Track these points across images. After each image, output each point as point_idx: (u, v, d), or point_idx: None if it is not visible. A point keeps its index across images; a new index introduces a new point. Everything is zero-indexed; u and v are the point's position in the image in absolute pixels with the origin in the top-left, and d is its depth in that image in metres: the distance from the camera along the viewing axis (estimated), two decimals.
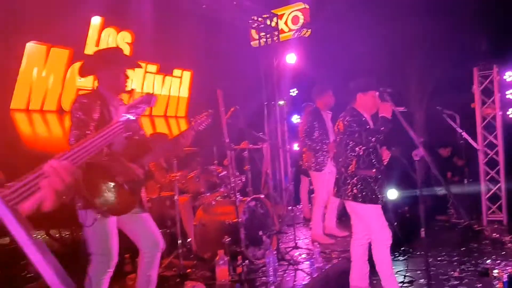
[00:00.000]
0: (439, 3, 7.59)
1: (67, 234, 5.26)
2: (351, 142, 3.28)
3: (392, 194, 5.10)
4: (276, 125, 7.10)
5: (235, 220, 3.86)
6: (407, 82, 8.79)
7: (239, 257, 3.72)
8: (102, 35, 4.50)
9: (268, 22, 7.02)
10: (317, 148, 4.78)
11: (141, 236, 2.75)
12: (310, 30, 7.85)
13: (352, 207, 3.34)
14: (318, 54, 7.78)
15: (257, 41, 7.30)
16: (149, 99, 1.52)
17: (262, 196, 4.33)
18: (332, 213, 5.11)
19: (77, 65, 4.28)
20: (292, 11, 7.89)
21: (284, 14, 7.87)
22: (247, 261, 3.75)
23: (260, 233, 4.10)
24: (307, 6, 7.84)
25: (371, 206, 3.23)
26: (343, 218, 5.87)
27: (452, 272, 3.99)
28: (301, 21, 7.93)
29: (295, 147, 6.92)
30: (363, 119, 3.31)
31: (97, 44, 4.38)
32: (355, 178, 3.27)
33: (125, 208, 2.59)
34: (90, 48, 4.39)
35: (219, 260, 3.42)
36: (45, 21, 3.77)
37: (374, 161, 3.28)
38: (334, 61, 7.47)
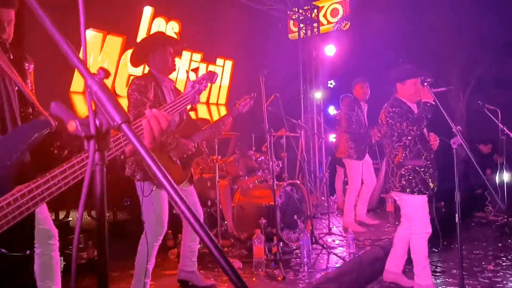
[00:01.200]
0: None
1: (108, 216, 5.64)
2: (395, 133, 3.27)
3: None
4: (312, 116, 7.19)
5: (271, 203, 4.04)
6: (449, 75, 8.60)
7: (274, 238, 3.90)
8: (152, 24, 4.78)
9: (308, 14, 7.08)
10: (353, 137, 4.88)
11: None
12: (349, 23, 7.84)
13: (400, 197, 3.36)
14: (357, 46, 7.76)
15: (295, 34, 7.37)
16: (211, 76, 1.71)
17: (298, 182, 4.47)
18: (363, 201, 5.21)
19: (129, 52, 4.57)
20: (332, 4, 7.90)
21: (323, 6, 7.90)
22: (281, 243, 3.93)
23: (295, 217, 4.26)
24: None
25: (418, 197, 3.23)
26: (378, 210, 5.94)
27: (486, 265, 4.00)
28: (341, 13, 7.93)
29: (331, 138, 7.00)
30: (406, 108, 3.27)
31: (148, 32, 4.65)
32: (403, 169, 3.25)
33: (177, 181, 2.83)
34: (141, 36, 4.67)
35: (255, 238, 3.60)
36: (102, 10, 4.06)
37: (421, 150, 3.24)
38: (374, 53, 7.44)
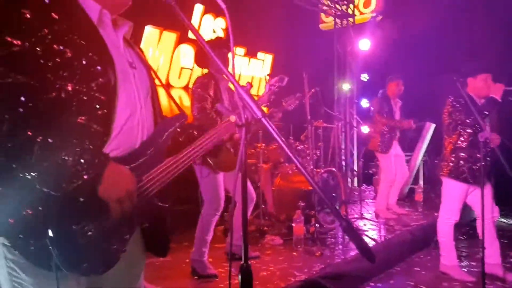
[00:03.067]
0: None
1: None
2: (452, 122, 3.42)
3: None
4: (345, 108, 7.47)
5: (309, 188, 4.42)
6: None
7: (312, 219, 4.28)
8: (202, 21, 5.19)
9: (339, 7, 7.30)
10: (384, 131, 5.20)
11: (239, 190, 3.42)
12: (381, 16, 7.97)
13: (444, 182, 3.52)
14: (392, 40, 7.91)
15: (326, 24, 7.57)
16: (282, 79, 2.09)
17: (334, 169, 4.83)
18: (395, 192, 5.51)
19: (182, 46, 5.01)
20: None
21: None
22: (317, 225, 4.31)
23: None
24: None
25: (460, 184, 3.38)
26: (407, 200, 6.22)
27: (508, 252, 4.25)
28: (373, 5, 8.06)
29: (363, 130, 7.27)
30: (470, 101, 3.30)
31: (199, 28, 5.06)
32: (453, 155, 3.43)
33: (230, 166, 3.25)
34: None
35: (296, 218, 4.00)
36: (159, 8, 4.47)
37: (476, 141, 3.27)
38: (410, 47, 7.56)
